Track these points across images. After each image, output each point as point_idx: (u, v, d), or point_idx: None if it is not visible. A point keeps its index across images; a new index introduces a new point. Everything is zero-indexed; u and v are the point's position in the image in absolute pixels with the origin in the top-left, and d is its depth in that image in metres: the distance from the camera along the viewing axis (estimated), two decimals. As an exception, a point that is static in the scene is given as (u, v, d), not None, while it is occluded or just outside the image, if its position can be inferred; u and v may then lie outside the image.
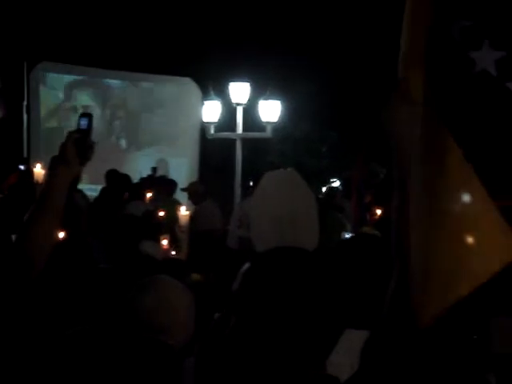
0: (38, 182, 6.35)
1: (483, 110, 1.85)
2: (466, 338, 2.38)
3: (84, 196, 8.34)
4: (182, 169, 15.91)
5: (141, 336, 2.61)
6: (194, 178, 14.17)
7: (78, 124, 2.52)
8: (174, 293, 2.73)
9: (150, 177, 12.12)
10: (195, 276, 4.14)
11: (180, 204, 8.35)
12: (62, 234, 4.73)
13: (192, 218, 6.90)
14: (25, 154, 14.58)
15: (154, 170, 13.30)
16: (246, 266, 1.71)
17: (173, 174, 13.42)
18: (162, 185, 10.42)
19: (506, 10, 1.95)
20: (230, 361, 1.65)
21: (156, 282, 2.78)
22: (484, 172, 1.74)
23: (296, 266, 1.68)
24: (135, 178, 11.11)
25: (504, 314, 1.99)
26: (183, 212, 6.18)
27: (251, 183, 10.23)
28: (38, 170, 6.58)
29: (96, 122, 2.87)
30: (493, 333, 1.96)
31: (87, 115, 2.56)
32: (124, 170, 10.37)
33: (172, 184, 10.61)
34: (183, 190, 10.06)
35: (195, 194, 9.43)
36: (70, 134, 2.49)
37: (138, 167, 15.14)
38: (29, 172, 9.88)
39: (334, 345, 1.65)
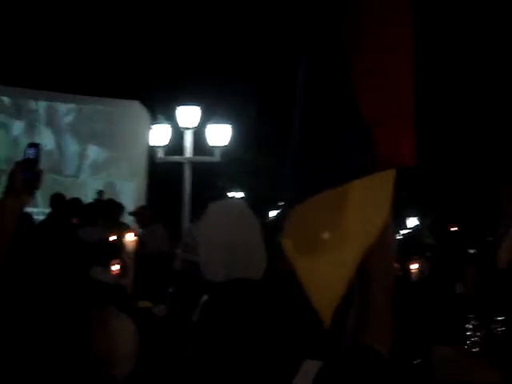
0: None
1: None
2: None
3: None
4: (130, 193, 15.79)
5: (84, 367, 2.62)
6: (142, 201, 14.07)
7: (25, 153, 2.52)
8: (117, 324, 2.75)
9: (96, 201, 11.96)
10: (143, 303, 4.12)
11: (128, 228, 8.28)
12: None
13: (139, 241, 6.88)
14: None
15: (100, 193, 13.11)
16: (205, 297, 1.74)
17: (120, 198, 13.29)
18: (109, 209, 10.31)
19: None
20: None
21: (98, 314, 2.79)
22: None
23: (254, 298, 1.72)
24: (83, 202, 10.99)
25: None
26: (129, 238, 6.14)
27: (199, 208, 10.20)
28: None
29: (43, 145, 2.87)
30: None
31: (35, 145, 2.55)
32: (72, 193, 10.26)
33: (119, 208, 10.52)
34: (130, 214, 10.00)
35: (142, 217, 9.40)
36: (17, 163, 2.49)
37: (86, 190, 14.99)
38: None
39: (293, 374, 1.68)
